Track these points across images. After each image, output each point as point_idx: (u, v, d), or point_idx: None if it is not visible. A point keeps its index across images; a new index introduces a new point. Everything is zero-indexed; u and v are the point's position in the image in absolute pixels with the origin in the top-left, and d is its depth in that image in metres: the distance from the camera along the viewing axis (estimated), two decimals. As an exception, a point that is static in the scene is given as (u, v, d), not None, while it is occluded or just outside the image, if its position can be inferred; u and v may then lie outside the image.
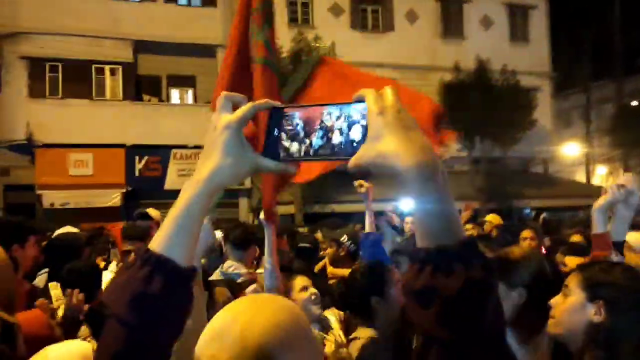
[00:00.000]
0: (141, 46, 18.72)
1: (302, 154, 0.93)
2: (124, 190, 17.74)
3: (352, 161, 0.86)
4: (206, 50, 18.61)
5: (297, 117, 0.95)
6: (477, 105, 19.05)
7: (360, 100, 0.89)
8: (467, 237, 0.80)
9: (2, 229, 3.40)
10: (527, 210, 18.85)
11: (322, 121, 0.93)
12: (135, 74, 19.12)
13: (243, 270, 3.78)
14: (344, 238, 5.16)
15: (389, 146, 0.82)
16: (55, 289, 3.49)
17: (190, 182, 0.94)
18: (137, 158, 18.30)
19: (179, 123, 17.54)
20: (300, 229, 8.99)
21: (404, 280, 0.82)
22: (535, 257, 2.35)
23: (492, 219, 7.69)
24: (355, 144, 0.88)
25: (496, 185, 19.57)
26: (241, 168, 0.94)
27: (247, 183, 17.73)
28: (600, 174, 28.72)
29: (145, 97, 19.38)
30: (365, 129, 0.87)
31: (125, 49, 18.61)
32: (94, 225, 11.82)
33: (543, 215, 11.41)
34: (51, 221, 14.04)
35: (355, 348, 2.63)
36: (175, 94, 20.18)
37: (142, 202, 15.33)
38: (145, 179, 18.10)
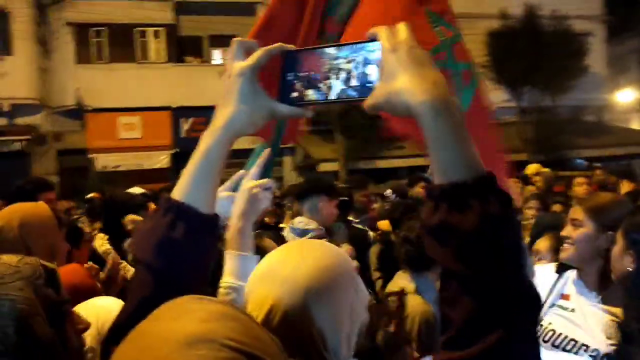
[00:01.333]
0: (182, 7, 18.75)
1: (318, 97, 0.92)
2: (172, 152, 18.12)
3: (368, 101, 0.86)
4: (247, 9, 18.49)
5: (311, 59, 0.93)
6: (525, 54, 18.37)
7: (374, 38, 0.87)
8: (484, 171, 0.79)
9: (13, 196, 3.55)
10: (579, 161, 18.30)
11: (336, 63, 0.91)
12: (177, 35, 19.23)
13: (312, 225, 3.67)
14: (388, 192, 5.14)
15: (403, 83, 0.81)
16: (101, 239, 3.65)
17: (207, 131, 0.95)
18: (182, 120, 18.58)
19: (222, 83, 17.59)
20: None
21: (421, 218, 0.82)
22: (628, 204, 2.35)
23: (535, 169, 7.44)
24: (370, 84, 0.87)
25: (546, 136, 19.01)
26: (257, 115, 0.94)
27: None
28: (658, 121, 27.51)
29: (188, 58, 19.52)
30: (379, 67, 0.85)
31: (167, 11, 18.68)
32: (146, 187, 12.20)
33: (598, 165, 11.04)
34: (104, 184, 14.57)
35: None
36: (217, 54, 20.23)
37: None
38: (192, 140, 18.29)
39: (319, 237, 3.45)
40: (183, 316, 0.63)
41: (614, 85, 24.28)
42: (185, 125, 18.65)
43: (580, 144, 19.44)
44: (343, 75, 0.90)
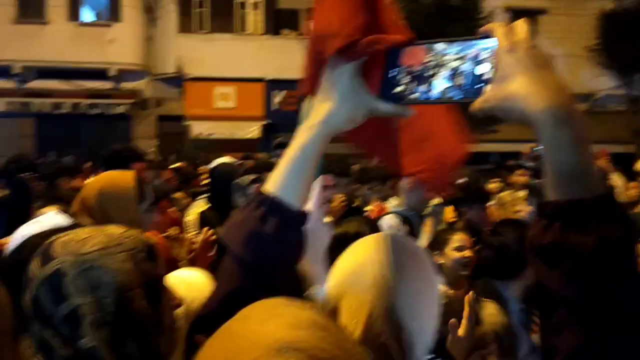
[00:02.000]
0: (282, -21, 18.91)
1: (421, 96, 0.86)
2: (263, 123, 18.49)
3: (477, 104, 0.78)
4: None
5: (416, 55, 0.87)
6: (639, 37, 17.08)
7: (488, 35, 0.80)
8: (605, 190, 0.71)
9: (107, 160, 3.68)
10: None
11: (444, 59, 0.84)
12: (275, 8, 19.42)
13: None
14: None
15: (520, 87, 0.74)
16: (198, 208, 3.75)
17: (306, 125, 0.92)
18: (275, 92, 18.86)
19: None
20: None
21: (529, 236, 0.74)
22: None
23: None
24: (480, 85, 0.79)
25: (657, 128, 17.72)
26: (357, 112, 0.91)
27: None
28: None
29: (284, 31, 19.70)
30: (492, 67, 0.78)
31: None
32: (235, 156, 12.55)
33: None
34: (198, 150, 15.14)
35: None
36: (313, 28, 20.24)
37: (280, 135, 15.92)
38: (283, 112, 18.67)
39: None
40: (272, 320, 0.61)
41: None
42: (277, 98, 18.94)
43: (695, 138, 17.97)
44: (451, 73, 0.83)
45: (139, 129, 18.46)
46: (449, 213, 4.44)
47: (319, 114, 0.92)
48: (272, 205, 0.90)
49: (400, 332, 0.97)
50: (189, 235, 3.37)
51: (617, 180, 6.94)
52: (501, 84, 0.76)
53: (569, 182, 0.71)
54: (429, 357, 1.51)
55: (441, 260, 3.01)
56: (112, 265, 0.94)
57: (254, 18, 19.20)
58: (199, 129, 18.46)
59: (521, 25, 0.78)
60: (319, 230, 1.35)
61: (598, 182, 0.73)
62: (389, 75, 0.89)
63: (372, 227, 2.65)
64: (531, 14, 19.81)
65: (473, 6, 17.02)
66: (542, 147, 0.74)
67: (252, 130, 18.54)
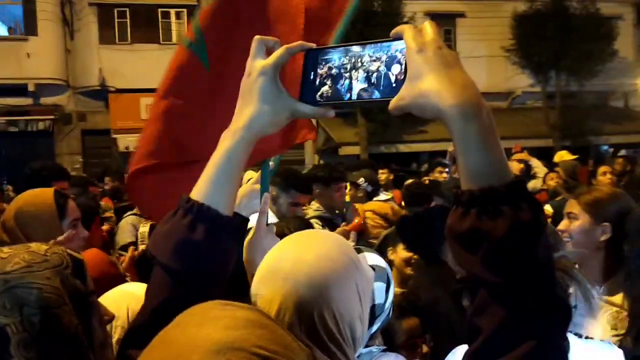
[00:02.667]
0: (204, -12, 18.72)
1: (340, 97, 0.89)
2: (194, 133, 18.22)
3: (393, 103, 0.82)
4: None
5: (332, 58, 0.90)
6: (552, 37, 18.01)
7: (399, 37, 0.83)
8: (514, 177, 0.75)
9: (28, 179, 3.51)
10: (605, 147, 17.99)
11: (359, 62, 0.87)
12: (200, 16, 19.21)
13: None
14: (361, 180, 5.18)
15: (430, 85, 0.77)
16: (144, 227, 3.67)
17: (228, 131, 0.93)
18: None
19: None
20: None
21: (448, 224, 0.78)
22: (624, 197, 2.37)
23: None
24: (395, 84, 0.83)
25: (572, 122, 18.69)
26: (279, 114, 0.92)
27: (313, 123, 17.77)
28: (688, 107, 26.85)
29: (211, 40, 19.51)
30: (405, 67, 0.81)
31: (189, -8, 18.67)
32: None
33: (622, 151, 10.88)
34: (127, 163, 14.72)
35: None
36: (239, 36, 20.17)
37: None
38: (214, 121, 18.49)
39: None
40: (209, 323, 0.61)
41: (642, 71, 23.72)
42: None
43: (606, 130, 19.09)
44: (367, 74, 0.86)
45: (62, 145, 17.75)
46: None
47: (241, 119, 0.92)
48: (200, 212, 0.89)
49: (324, 322, 0.96)
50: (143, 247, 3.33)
51: (537, 165, 7.33)
52: (414, 83, 0.79)
53: (480, 172, 0.75)
54: (380, 349, 1.53)
55: (392, 257, 3.09)
56: (37, 282, 0.91)
57: (178, 28, 18.88)
58: (127, 142, 17.93)
59: (428, 27, 0.82)
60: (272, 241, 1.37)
61: (507, 170, 0.77)
62: (308, 79, 0.91)
63: (308, 227, 2.70)
64: (449, 17, 20.52)
65: (395, 11, 17.45)
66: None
67: (182, 141, 18.21)
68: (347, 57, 0.89)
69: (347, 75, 0.88)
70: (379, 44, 0.87)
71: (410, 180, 6.15)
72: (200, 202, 0.90)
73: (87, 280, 0.98)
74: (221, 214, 0.90)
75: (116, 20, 18.27)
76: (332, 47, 0.92)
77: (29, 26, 17.27)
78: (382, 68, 0.85)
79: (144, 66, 17.76)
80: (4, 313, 0.89)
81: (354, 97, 0.87)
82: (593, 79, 19.03)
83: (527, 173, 6.91)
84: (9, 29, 17.73)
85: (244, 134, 0.91)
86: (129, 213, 4.49)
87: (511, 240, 0.71)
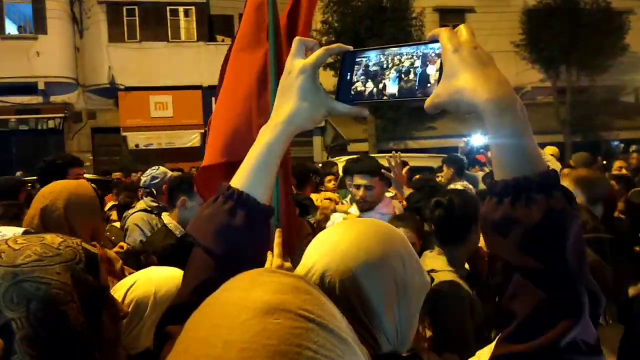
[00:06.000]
0: (212, -15, 18.75)
1: (376, 94, 0.92)
2: (203, 131, 18.25)
3: (429, 101, 0.85)
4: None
5: (369, 59, 0.94)
6: (562, 32, 17.88)
7: (435, 40, 0.87)
8: (547, 168, 0.79)
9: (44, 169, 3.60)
10: (616, 143, 17.85)
11: (395, 62, 0.91)
12: (208, 14, 19.23)
13: None
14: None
15: (466, 82, 0.81)
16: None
17: (268, 125, 0.97)
18: (214, 99, 18.66)
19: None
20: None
21: (482, 213, 0.81)
22: (602, 177, 2.50)
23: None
24: (429, 84, 0.86)
25: (582, 117, 18.57)
26: (317, 111, 0.97)
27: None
28: (700, 102, 26.60)
29: (219, 37, 19.53)
30: (440, 68, 0.85)
31: (197, -11, 18.71)
32: (176, 165, 12.35)
33: (633, 146, 10.79)
34: (137, 161, 14.78)
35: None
36: (247, 33, 20.19)
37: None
38: (222, 118, 18.51)
39: None
40: (257, 287, 0.64)
41: (654, 65, 23.51)
42: (216, 105, 18.74)
43: (617, 126, 18.95)
44: (402, 74, 0.90)
45: (72, 143, 17.86)
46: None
47: (281, 113, 0.96)
48: (240, 200, 0.93)
49: (356, 300, 1.00)
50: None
51: (550, 160, 7.27)
52: (449, 81, 0.82)
53: (513, 162, 0.79)
54: (408, 352, 1.52)
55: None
56: (46, 277, 0.91)
57: (187, 25, 18.93)
58: (136, 139, 18.04)
59: (463, 29, 0.86)
60: None
61: (540, 161, 0.80)
62: (345, 78, 0.96)
63: None
64: (459, 13, 20.42)
65: (404, 7, 17.39)
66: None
67: (192, 139, 18.26)
68: (384, 58, 0.93)
69: (382, 75, 0.92)
70: (414, 46, 0.91)
71: (417, 177, 6.14)
72: (240, 190, 0.95)
73: (100, 275, 0.97)
74: (259, 202, 0.95)
75: (125, 18, 18.34)
76: (369, 49, 0.96)
77: (38, 25, 17.38)
78: (418, 68, 0.88)
79: (153, 64, 17.84)
80: (11, 307, 0.89)
81: (389, 94, 0.91)
82: (604, 74, 18.88)
83: None
84: (19, 28, 17.85)
85: (283, 128, 0.96)
86: (133, 211, 4.38)
87: (545, 227, 0.74)
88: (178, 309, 0.91)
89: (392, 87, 0.91)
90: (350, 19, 16.95)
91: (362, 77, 0.94)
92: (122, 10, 18.26)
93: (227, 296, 0.65)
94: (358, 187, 3.53)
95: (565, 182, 2.37)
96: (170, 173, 4.76)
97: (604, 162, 9.12)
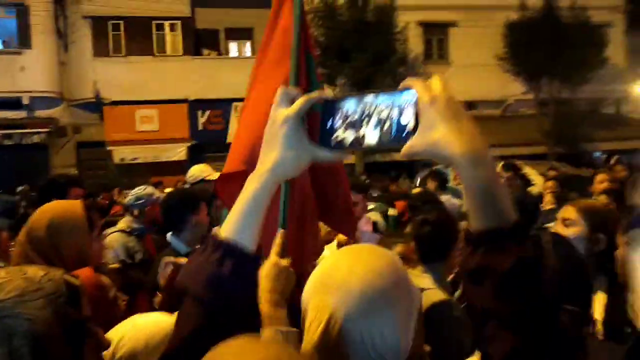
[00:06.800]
0: (197, 0, 18.78)
1: (356, 143, 0.97)
2: (189, 144, 18.22)
3: (406, 150, 0.90)
4: (263, 1, 18.46)
5: (348, 107, 0.99)
6: (544, 45, 18.13)
7: (408, 88, 0.92)
8: (518, 218, 0.84)
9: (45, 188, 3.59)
10: (598, 154, 18.08)
11: (372, 110, 0.96)
12: (194, 28, 19.27)
13: None
14: None
15: (442, 135, 0.86)
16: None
17: (254, 174, 1.01)
18: (199, 112, 18.64)
19: (238, 76, 17.50)
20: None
21: (459, 263, 0.86)
22: (615, 212, 2.46)
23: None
24: (405, 132, 0.91)
25: (564, 128, 18.78)
26: (301, 159, 1.00)
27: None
28: (680, 113, 27.01)
29: (205, 51, 19.56)
30: (415, 117, 0.90)
31: (183, 3, 18.73)
32: (163, 179, 12.31)
33: (616, 157, 10.89)
34: (123, 176, 14.71)
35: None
36: (233, 47, 20.22)
37: (207, 155, 15.74)
38: (209, 132, 18.47)
39: None
40: (244, 357, 0.68)
41: (633, 77, 23.86)
42: (202, 118, 18.72)
43: (599, 137, 19.18)
44: (379, 122, 0.95)
45: (57, 158, 17.73)
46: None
47: (266, 162, 1.00)
48: (228, 249, 0.97)
49: (370, 337, 1.02)
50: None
51: (532, 173, 7.30)
52: (426, 133, 0.88)
53: (487, 213, 0.84)
54: None
55: None
56: (28, 312, 0.92)
57: (173, 39, 18.95)
58: (122, 154, 17.95)
59: (437, 80, 0.91)
60: None
61: (511, 211, 0.85)
62: (326, 125, 1.00)
63: None
64: (442, 27, 20.64)
65: (388, 21, 17.55)
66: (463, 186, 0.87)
67: (179, 152, 18.21)
68: (361, 106, 0.97)
69: (361, 123, 0.97)
70: (389, 94, 0.95)
71: (417, 190, 6.18)
72: (228, 239, 0.98)
73: (83, 307, 1.00)
74: (247, 250, 0.98)
75: (110, 32, 18.33)
76: (347, 96, 1.01)
77: (23, 39, 17.31)
78: (394, 118, 0.93)
79: (139, 78, 17.81)
80: None
81: (368, 142, 0.96)
82: (585, 86, 19.15)
83: (526, 183, 6.88)
84: (3, 42, 17.77)
85: (268, 177, 0.99)
86: (111, 230, 4.27)
87: (517, 273, 0.80)
88: (170, 357, 0.94)
89: (370, 136, 0.95)
90: (335, 33, 17.07)
91: (342, 125, 0.99)
92: (108, 24, 18.24)
93: None
94: None
95: (569, 211, 2.33)
96: (157, 194, 4.64)
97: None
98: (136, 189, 4.65)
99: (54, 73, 17.63)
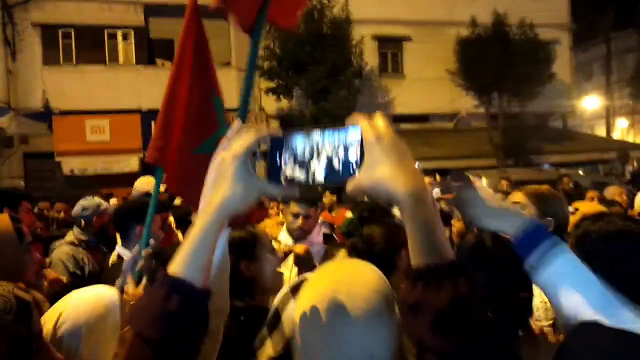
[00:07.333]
0: (151, 9, 18.55)
1: (303, 178, 1.00)
2: (141, 156, 17.88)
3: (351, 186, 0.94)
4: (217, 12, 18.39)
5: (295, 144, 1.02)
6: (494, 61, 18.69)
7: (353, 124, 0.96)
8: (454, 256, 0.90)
9: None
10: (546, 166, 18.69)
11: (319, 147, 0.99)
12: (148, 38, 19.01)
13: None
14: None
15: (386, 174, 0.91)
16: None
17: (203, 209, 1.02)
18: (153, 123, 18.34)
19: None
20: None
21: (400, 297, 0.91)
22: (563, 199, 2.52)
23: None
24: (352, 167, 0.95)
25: (514, 142, 19.36)
26: (250, 195, 1.01)
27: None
28: (621, 127, 28.23)
29: (159, 61, 19.31)
30: (360, 152, 0.94)
31: (136, 13, 18.46)
32: (114, 191, 12.04)
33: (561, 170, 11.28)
34: (72, 187, 14.32)
35: None
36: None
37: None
38: (162, 143, 18.18)
39: None
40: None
41: (579, 92, 24.91)
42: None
43: (547, 150, 19.85)
44: (326, 158, 0.98)
45: (3, 169, 17.12)
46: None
47: (216, 198, 1.00)
48: (174, 285, 0.96)
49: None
50: None
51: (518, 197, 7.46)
52: (371, 170, 0.92)
53: (427, 249, 0.89)
54: None
55: None
56: None
57: (125, 48, 18.63)
58: (71, 165, 17.46)
59: (380, 118, 0.95)
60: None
61: (449, 248, 0.90)
62: (275, 161, 1.03)
63: None
64: (397, 41, 21.03)
65: (344, 34, 17.75)
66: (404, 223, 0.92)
67: (131, 163, 17.84)
68: (309, 143, 1.00)
69: (309, 160, 0.99)
70: (336, 131, 0.98)
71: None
72: (174, 276, 0.97)
73: (32, 323, 0.96)
74: (194, 286, 0.97)
75: (61, 41, 17.88)
76: (295, 133, 1.03)
77: (-33, 47, 16.71)
78: (340, 154, 0.96)
79: (90, 87, 17.41)
80: None
81: (315, 179, 0.99)
82: (533, 101, 19.81)
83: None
84: (-54, 49, 17.10)
85: (218, 213, 1.00)
86: (60, 243, 4.19)
87: (452, 309, 0.84)
88: None
89: (318, 172, 0.98)
90: (292, 45, 17.15)
91: (291, 161, 1.01)
92: (58, 33, 17.79)
93: None
94: (297, 215, 3.55)
95: (519, 196, 2.40)
96: (104, 204, 4.56)
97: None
98: (82, 199, 4.55)
99: (1, 82, 17.05)
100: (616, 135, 26.88)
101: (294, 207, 3.54)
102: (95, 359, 1.36)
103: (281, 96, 17.74)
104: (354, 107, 16.99)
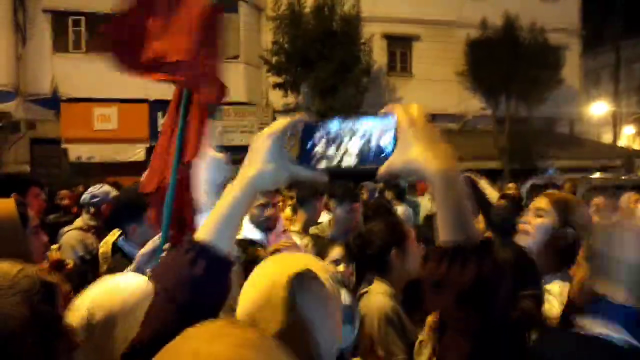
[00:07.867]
0: None
1: (334, 163, 1.03)
2: (148, 145, 17.90)
3: (384, 168, 0.98)
4: (228, 4, 18.39)
5: (329, 129, 1.05)
6: (502, 63, 18.62)
7: (389, 113, 1.00)
8: (482, 236, 0.93)
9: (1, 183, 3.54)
10: (551, 171, 18.64)
11: (354, 132, 1.02)
12: (158, 28, 19.00)
13: None
14: None
15: (419, 154, 0.95)
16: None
17: (236, 182, 1.06)
18: (160, 113, 18.36)
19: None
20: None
21: (423, 274, 0.94)
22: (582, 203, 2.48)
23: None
24: (383, 153, 0.98)
25: (520, 145, 19.31)
26: (280, 174, 1.05)
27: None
28: (628, 134, 28.13)
29: (168, 51, 19.27)
30: (393, 139, 0.97)
31: (148, 3, 18.46)
32: (118, 179, 12.08)
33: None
34: (78, 175, 14.35)
35: (373, 302, 2.64)
36: (197, 49, 20.02)
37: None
38: (168, 134, 18.19)
39: None
40: (218, 339, 0.69)
41: (587, 99, 24.80)
42: (162, 119, 18.42)
43: (552, 155, 19.78)
44: (360, 143, 1.01)
45: (9, 154, 17.16)
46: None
47: (247, 174, 1.05)
48: (202, 251, 1.00)
49: (309, 346, 1.11)
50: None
51: (486, 187, 7.46)
52: (404, 151, 0.96)
53: (455, 227, 0.92)
54: None
55: None
56: (3, 309, 0.91)
57: (135, 38, 18.61)
58: (78, 152, 17.50)
59: (415, 107, 1.00)
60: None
61: (474, 227, 0.94)
62: (306, 145, 1.06)
63: None
64: (406, 40, 20.97)
65: (353, 32, 17.71)
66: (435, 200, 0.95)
67: (137, 153, 17.87)
68: (343, 127, 1.03)
69: (341, 144, 1.02)
70: (371, 118, 1.02)
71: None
72: (203, 242, 1.01)
73: (58, 305, 0.99)
74: (220, 253, 1.01)
75: (71, 28, 17.89)
76: (328, 120, 1.07)
77: (-22, 31, 16.73)
78: (374, 139, 1.00)
79: (98, 75, 17.36)
80: None
81: (347, 163, 1.01)
82: (541, 106, 19.73)
83: (479, 195, 7.05)
84: (-43, 32, 17.13)
85: (247, 188, 1.04)
86: (68, 228, 4.28)
87: (475, 288, 0.87)
88: (138, 348, 0.95)
89: (350, 156, 1.01)
90: (301, 41, 17.13)
91: (323, 145, 1.04)
92: (68, 20, 17.80)
93: (189, 345, 0.69)
94: (265, 205, 3.52)
95: (542, 202, 2.35)
96: (113, 193, 4.60)
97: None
98: (92, 187, 4.63)
99: (10, 67, 17.07)
100: (622, 142, 26.78)
101: (260, 199, 3.44)
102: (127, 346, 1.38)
103: (288, 92, 17.74)
104: (360, 105, 16.97)
